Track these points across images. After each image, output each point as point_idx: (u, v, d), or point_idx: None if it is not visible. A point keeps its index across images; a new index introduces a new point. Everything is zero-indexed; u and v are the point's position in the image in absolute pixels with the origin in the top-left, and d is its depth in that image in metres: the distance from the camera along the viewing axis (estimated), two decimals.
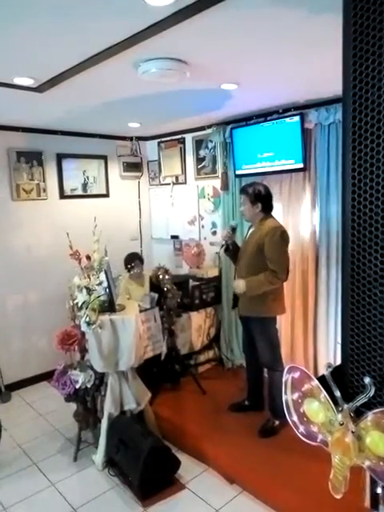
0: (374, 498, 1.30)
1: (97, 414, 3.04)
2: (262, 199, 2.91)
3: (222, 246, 3.22)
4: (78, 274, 2.79)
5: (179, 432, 3.09)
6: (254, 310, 2.94)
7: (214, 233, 4.38)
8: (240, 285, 2.90)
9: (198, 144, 4.35)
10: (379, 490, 1.28)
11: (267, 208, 2.96)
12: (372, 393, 1.17)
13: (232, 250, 3.19)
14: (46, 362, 4.03)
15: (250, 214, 2.98)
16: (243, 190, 2.99)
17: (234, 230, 3.21)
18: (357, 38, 1.15)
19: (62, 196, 4.31)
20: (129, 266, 3.85)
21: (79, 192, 4.45)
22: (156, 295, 3.65)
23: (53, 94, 2.74)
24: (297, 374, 1.32)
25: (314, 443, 1.30)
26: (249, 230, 3.11)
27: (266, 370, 3.18)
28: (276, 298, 2.93)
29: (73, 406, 3.07)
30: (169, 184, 4.77)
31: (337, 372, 1.29)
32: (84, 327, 2.70)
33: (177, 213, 4.75)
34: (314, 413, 1.27)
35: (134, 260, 3.89)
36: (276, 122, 3.49)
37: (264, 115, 3.63)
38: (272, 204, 3.00)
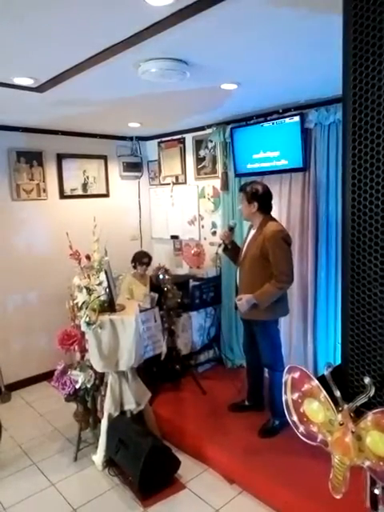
0: (374, 499, 1.30)
1: (97, 414, 3.04)
2: (259, 198, 2.89)
3: (220, 245, 3.22)
4: (78, 273, 2.79)
5: (179, 432, 3.09)
6: (257, 314, 2.91)
7: (214, 233, 4.37)
8: (244, 304, 2.88)
9: (198, 144, 4.35)
10: (378, 491, 1.28)
11: (265, 208, 2.94)
12: (372, 393, 1.17)
13: (231, 249, 3.20)
14: (46, 362, 4.03)
15: (246, 213, 2.98)
16: (241, 188, 3.00)
17: (231, 229, 3.22)
18: (357, 38, 1.15)
19: (62, 196, 4.31)
20: (134, 264, 3.87)
21: (79, 192, 4.44)
22: (156, 295, 3.65)
23: (53, 94, 2.74)
24: (297, 374, 1.32)
25: (313, 443, 1.30)
26: (249, 230, 3.10)
27: (267, 370, 3.18)
28: (279, 301, 2.90)
29: (73, 406, 3.07)
30: (169, 184, 4.77)
31: (337, 372, 1.29)
32: (84, 327, 2.70)
33: (177, 213, 4.75)
34: (314, 413, 1.27)
35: (145, 258, 3.90)
36: (276, 122, 3.49)
37: (264, 115, 3.63)
38: (271, 204, 2.98)
